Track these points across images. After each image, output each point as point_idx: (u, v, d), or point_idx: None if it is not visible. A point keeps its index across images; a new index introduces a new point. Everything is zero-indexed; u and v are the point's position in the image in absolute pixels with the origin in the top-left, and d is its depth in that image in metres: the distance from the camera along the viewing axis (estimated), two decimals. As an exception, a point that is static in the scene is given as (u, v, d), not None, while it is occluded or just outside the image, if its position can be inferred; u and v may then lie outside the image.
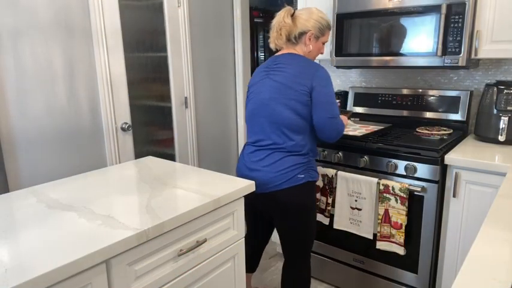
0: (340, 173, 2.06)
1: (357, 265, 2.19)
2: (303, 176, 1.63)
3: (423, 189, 1.87)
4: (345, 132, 2.17)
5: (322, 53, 1.81)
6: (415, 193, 1.89)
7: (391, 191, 1.89)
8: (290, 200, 1.63)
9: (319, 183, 2.17)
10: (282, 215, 1.67)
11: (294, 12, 1.70)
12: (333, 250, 2.29)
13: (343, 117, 1.86)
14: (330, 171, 2.10)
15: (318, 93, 1.59)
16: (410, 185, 1.88)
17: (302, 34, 1.67)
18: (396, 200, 1.88)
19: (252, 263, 2.04)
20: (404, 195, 1.85)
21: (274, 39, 1.70)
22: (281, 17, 1.67)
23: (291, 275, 1.78)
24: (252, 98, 1.71)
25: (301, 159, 1.64)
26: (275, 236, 2.66)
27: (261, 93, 1.67)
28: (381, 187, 1.92)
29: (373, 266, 2.13)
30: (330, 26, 1.74)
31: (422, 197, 1.90)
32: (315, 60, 1.91)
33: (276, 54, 1.75)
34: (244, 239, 1.46)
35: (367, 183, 1.96)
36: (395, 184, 1.88)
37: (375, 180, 1.94)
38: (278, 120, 1.62)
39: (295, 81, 1.60)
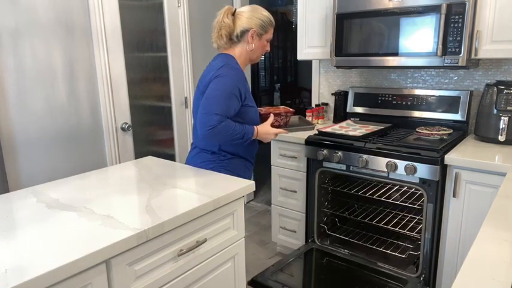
0: None
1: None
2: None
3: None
4: (344, 132, 2.18)
5: (267, 51, 1.77)
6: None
7: None
8: None
9: None
10: None
11: (235, 11, 1.68)
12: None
13: (265, 127, 1.69)
14: None
15: (208, 88, 1.56)
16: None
17: (244, 32, 1.65)
18: None
19: None
20: None
21: (216, 40, 1.68)
22: (221, 17, 1.64)
23: None
24: None
25: (211, 157, 1.68)
26: (275, 236, 2.66)
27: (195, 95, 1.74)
28: None
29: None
30: (272, 22, 1.70)
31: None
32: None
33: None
34: (244, 238, 1.47)
35: None
36: None
37: None
38: (195, 120, 1.68)
39: (204, 80, 1.63)
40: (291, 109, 1.85)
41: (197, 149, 1.75)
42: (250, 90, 3.43)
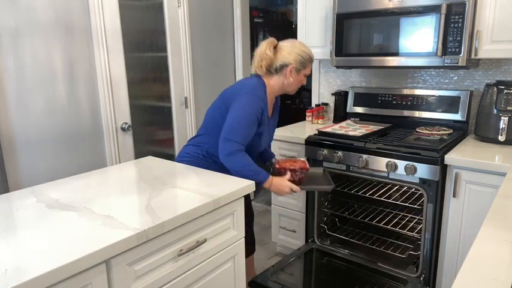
0: None
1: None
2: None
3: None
4: (344, 132, 2.18)
5: (303, 84, 1.84)
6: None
7: None
8: None
9: None
10: None
11: (277, 44, 1.75)
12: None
13: (281, 180, 1.72)
14: None
15: (231, 113, 1.66)
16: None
17: (283, 66, 1.71)
18: None
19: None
20: None
21: (255, 68, 1.74)
22: (263, 49, 1.71)
23: None
24: None
25: (193, 151, 1.80)
26: (275, 236, 2.66)
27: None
28: None
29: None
30: (312, 59, 1.77)
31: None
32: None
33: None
34: (244, 238, 1.47)
35: None
36: None
37: None
38: (206, 117, 1.86)
39: (231, 93, 1.72)
40: (307, 165, 1.84)
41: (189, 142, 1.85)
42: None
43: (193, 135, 2.90)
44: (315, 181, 1.91)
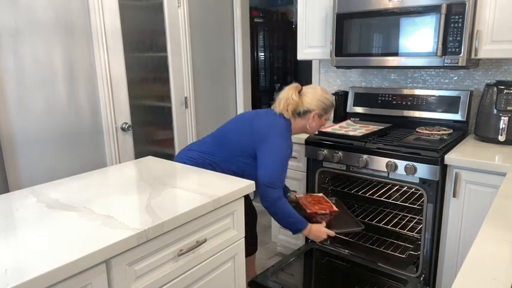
0: None
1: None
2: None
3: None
4: (344, 132, 2.18)
5: (323, 125, 1.95)
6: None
7: None
8: None
9: None
10: None
11: (302, 89, 1.86)
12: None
13: (319, 227, 1.81)
14: None
15: (268, 156, 1.72)
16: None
17: (306, 112, 1.81)
18: None
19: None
20: None
21: (282, 110, 1.81)
22: (289, 94, 1.80)
23: None
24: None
25: (200, 157, 1.82)
26: (275, 236, 2.66)
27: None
28: None
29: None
30: (333, 105, 1.88)
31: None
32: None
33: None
34: (244, 238, 1.47)
35: None
36: None
37: None
38: (222, 134, 1.89)
39: (259, 127, 1.77)
40: (335, 207, 1.92)
41: (196, 153, 1.83)
42: (251, 91, 3.44)
43: (196, 135, 2.91)
44: (342, 221, 1.99)
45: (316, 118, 1.82)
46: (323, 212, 1.88)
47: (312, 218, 1.88)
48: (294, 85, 1.85)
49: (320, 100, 1.80)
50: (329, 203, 1.97)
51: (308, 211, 1.88)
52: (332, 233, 1.84)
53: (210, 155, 1.82)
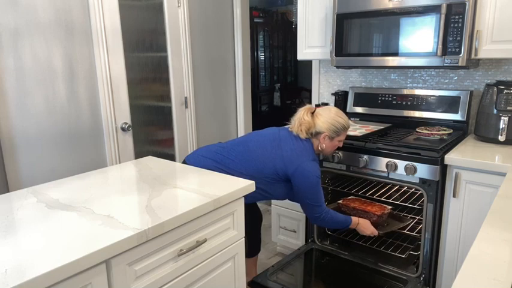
0: None
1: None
2: None
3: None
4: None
5: (339, 146, 1.96)
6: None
7: None
8: None
9: None
10: None
11: (315, 110, 1.90)
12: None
13: (366, 223, 1.98)
14: None
15: (306, 184, 1.80)
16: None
17: (318, 133, 1.85)
18: None
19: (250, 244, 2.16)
20: None
21: (297, 131, 1.86)
22: (301, 114, 1.86)
23: None
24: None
25: (214, 166, 1.83)
26: (275, 236, 2.66)
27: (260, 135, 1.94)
28: None
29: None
30: (346, 127, 1.88)
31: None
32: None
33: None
34: (244, 238, 1.46)
35: None
36: None
37: None
38: (240, 146, 1.92)
39: (289, 153, 1.81)
40: (387, 207, 2.14)
41: (211, 161, 1.84)
42: (251, 91, 3.44)
43: (196, 135, 2.91)
44: (391, 224, 2.19)
45: (327, 140, 1.85)
46: (378, 213, 2.07)
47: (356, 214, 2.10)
48: (307, 107, 1.89)
49: (331, 123, 1.82)
50: (383, 207, 2.15)
51: (377, 215, 2.07)
52: (376, 232, 1.99)
53: (229, 169, 1.79)
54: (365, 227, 1.96)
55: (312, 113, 1.87)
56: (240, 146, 1.87)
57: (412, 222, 2.18)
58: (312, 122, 1.84)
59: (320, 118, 1.84)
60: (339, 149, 2.10)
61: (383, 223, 2.14)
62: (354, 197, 2.30)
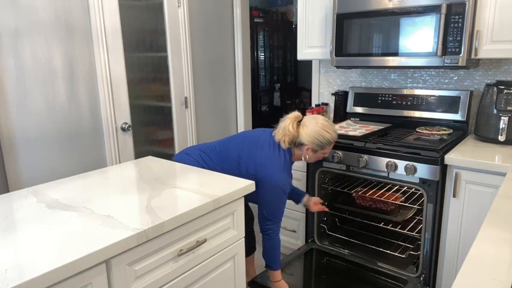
0: None
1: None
2: None
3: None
4: (344, 132, 2.18)
5: (325, 157, 1.90)
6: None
7: None
8: None
9: None
10: None
11: (302, 118, 1.81)
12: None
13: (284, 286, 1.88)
14: None
15: (269, 194, 1.77)
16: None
17: (301, 145, 1.77)
18: None
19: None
20: None
21: (279, 139, 1.79)
22: (287, 124, 1.77)
23: None
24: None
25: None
26: (275, 236, 2.66)
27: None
28: None
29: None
30: (331, 142, 1.79)
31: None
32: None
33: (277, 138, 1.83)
34: (244, 238, 1.47)
35: None
36: None
37: None
38: (227, 145, 1.91)
39: (261, 160, 1.76)
40: (398, 197, 2.24)
41: (192, 159, 1.85)
42: (251, 91, 3.44)
43: (196, 135, 2.91)
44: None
45: (310, 152, 1.79)
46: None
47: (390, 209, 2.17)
48: (295, 115, 1.81)
49: (315, 137, 1.74)
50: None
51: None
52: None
53: (210, 170, 1.81)
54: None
55: (300, 122, 1.80)
56: (221, 146, 1.89)
57: (414, 210, 2.21)
58: (296, 133, 1.76)
59: (305, 129, 1.75)
60: (338, 149, 2.11)
61: (397, 212, 2.17)
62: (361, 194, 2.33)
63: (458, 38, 1.87)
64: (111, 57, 2.29)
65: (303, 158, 1.83)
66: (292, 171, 2.39)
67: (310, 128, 1.75)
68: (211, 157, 1.86)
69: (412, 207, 2.20)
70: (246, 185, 1.40)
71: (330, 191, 2.42)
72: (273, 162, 1.75)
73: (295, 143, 1.78)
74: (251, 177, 1.76)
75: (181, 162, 1.82)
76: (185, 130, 2.87)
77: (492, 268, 0.81)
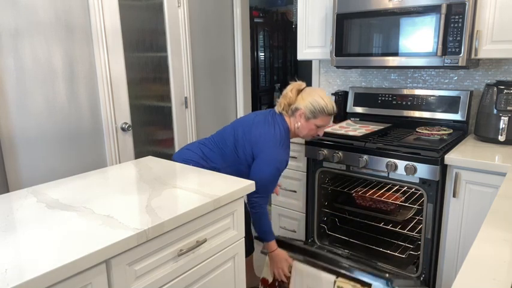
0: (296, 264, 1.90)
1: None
2: None
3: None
4: (344, 132, 2.18)
5: (319, 135, 1.89)
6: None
7: None
8: None
9: (269, 278, 2.00)
10: None
11: (303, 88, 1.84)
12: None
13: (283, 253, 1.87)
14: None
15: (264, 167, 1.75)
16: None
17: (296, 110, 1.80)
18: None
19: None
20: None
21: (280, 104, 1.84)
22: (288, 89, 1.83)
23: None
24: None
25: (199, 162, 1.82)
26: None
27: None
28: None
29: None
30: (325, 111, 1.78)
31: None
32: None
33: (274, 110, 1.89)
34: (244, 239, 1.47)
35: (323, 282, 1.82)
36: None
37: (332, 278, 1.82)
38: (226, 134, 1.90)
39: (256, 137, 1.77)
40: (398, 197, 2.22)
41: (193, 153, 1.84)
42: (251, 91, 3.43)
43: (196, 135, 2.91)
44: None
45: (303, 118, 1.79)
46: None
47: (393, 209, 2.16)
48: (298, 83, 1.86)
49: (310, 101, 1.77)
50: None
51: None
52: (288, 274, 1.89)
53: (212, 164, 1.82)
54: (279, 258, 1.87)
55: (301, 91, 1.84)
56: (218, 136, 1.90)
57: (415, 210, 2.21)
58: (294, 98, 1.80)
59: (302, 94, 1.81)
60: (338, 149, 2.10)
61: (397, 212, 2.17)
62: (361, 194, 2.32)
63: (458, 38, 1.87)
64: (111, 57, 2.29)
65: (296, 127, 1.82)
66: (292, 171, 2.39)
67: (307, 93, 1.81)
68: (211, 148, 1.86)
69: (412, 207, 2.19)
70: (246, 185, 1.40)
71: (330, 191, 2.42)
72: (268, 139, 1.76)
73: (292, 110, 1.81)
74: (249, 160, 1.77)
75: (183, 157, 1.83)
76: (185, 130, 2.87)
77: (492, 268, 0.81)
